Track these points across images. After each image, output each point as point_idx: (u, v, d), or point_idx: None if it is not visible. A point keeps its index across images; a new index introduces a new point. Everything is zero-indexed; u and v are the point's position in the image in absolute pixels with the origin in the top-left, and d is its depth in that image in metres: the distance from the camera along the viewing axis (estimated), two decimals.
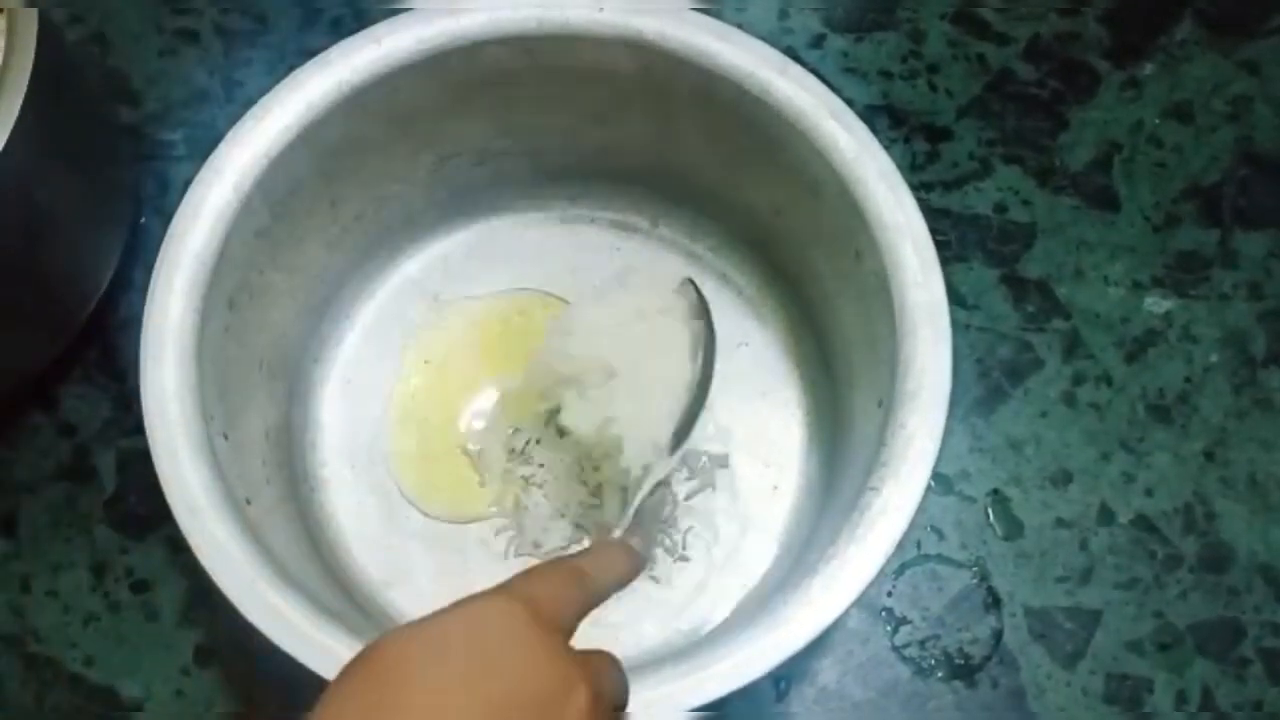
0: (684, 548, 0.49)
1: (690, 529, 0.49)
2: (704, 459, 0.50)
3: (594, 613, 0.47)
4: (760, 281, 0.53)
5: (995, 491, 0.53)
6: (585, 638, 0.47)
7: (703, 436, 0.50)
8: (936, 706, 0.50)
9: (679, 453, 0.47)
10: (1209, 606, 0.52)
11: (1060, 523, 0.53)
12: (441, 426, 0.51)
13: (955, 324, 0.46)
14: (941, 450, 0.39)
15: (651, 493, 0.47)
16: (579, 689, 0.29)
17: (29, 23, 0.44)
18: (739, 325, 0.53)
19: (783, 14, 0.62)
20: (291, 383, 0.50)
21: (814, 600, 0.37)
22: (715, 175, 0.51)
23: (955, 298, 0.56)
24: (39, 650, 0.50)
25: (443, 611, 0.29)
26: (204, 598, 0.50)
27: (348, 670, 0.28)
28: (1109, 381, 0.55)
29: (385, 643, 0.28)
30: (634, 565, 0.37)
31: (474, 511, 0.50)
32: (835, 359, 0.49)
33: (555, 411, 0.48)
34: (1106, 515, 0.53)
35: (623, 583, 0.36)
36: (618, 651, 0.46)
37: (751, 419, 0.51)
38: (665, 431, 0.46)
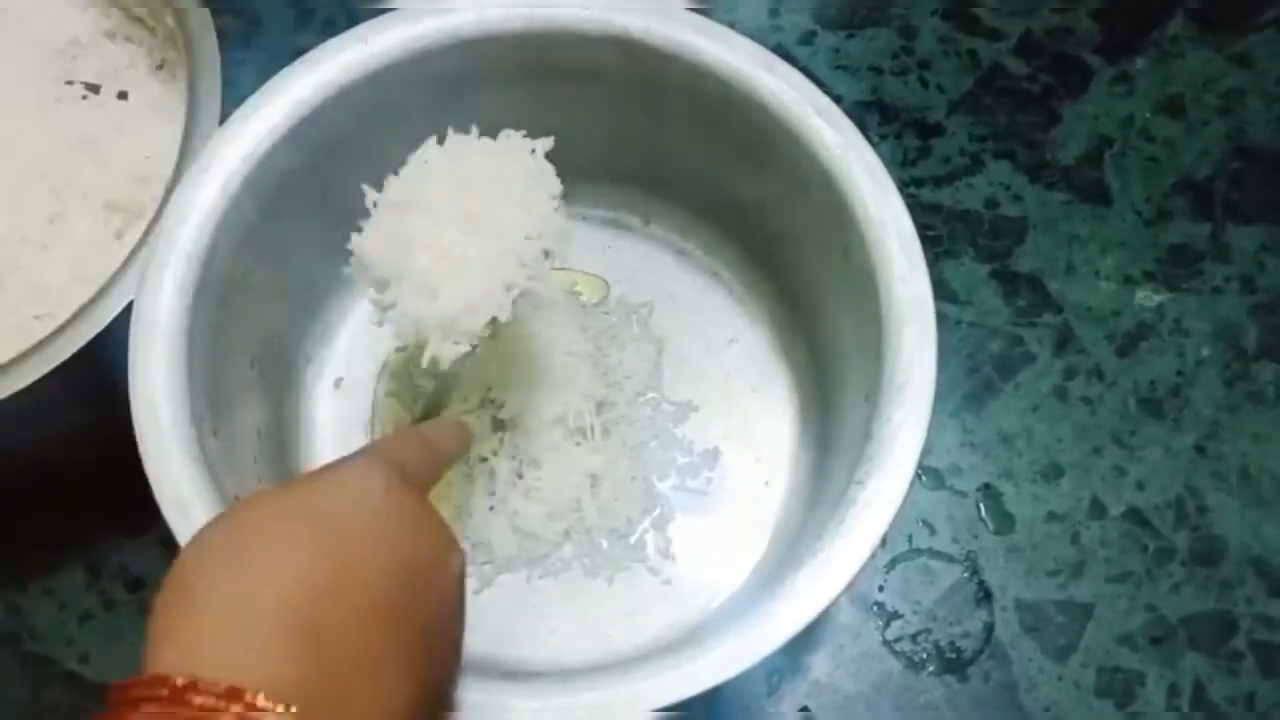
0: (674, 544, 0.49)
1: (682, 525, 0.49)
2: (695, 455, 0.50)
3: (588, 609, 0.48)
4: (750, 279, 0.53)
5: (986, 486, 0.53)
6: (581, 630, 0.48)
7: (694, 431, 0.51)
8: (928, 700, 0.50)
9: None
10: (1201, 600, 0.52)
11: (1052, 517, 0.53)
12: None
13: (947, 319, 0.46)
14: (933, 445, 0.40)
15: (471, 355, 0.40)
16: (454, 552, 0.30)
17: None
18: (729, 322, 0.53)
19: (773, 11, 0.63)
20: (283, 381, 0.50)
21: (800, 594, 0.37)
22: (705, 173, 0.51)
23: (947, 293, 0.56)
24: (35, 648, 0.51)
25: (308, 476, 0.29)
26: None
27: (208, 526, 0.28)
28: (1100, 375, 0.55)
29: (247, 503, 0.28)
30: (465, 437, 0.41)
31: None
32: (824, 355, 0.49)
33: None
34: (1098, 509, 0.53)
35: (460, 452, 0.40)
36: (612, 647, 0.47)
37: (742, 415, 0.51)
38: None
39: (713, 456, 0.50)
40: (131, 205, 0.49)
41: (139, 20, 0.53)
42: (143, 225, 0.47)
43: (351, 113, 0.45)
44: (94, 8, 0.53)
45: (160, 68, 0.52)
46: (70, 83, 0.52)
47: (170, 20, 0.49)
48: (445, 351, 0.38)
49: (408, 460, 0.33)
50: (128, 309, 0.41)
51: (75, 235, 0.48)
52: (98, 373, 0.42)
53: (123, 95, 0.51)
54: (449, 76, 0.46)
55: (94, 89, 0.51)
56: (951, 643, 0.51)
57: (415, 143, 0.49)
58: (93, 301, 0.42)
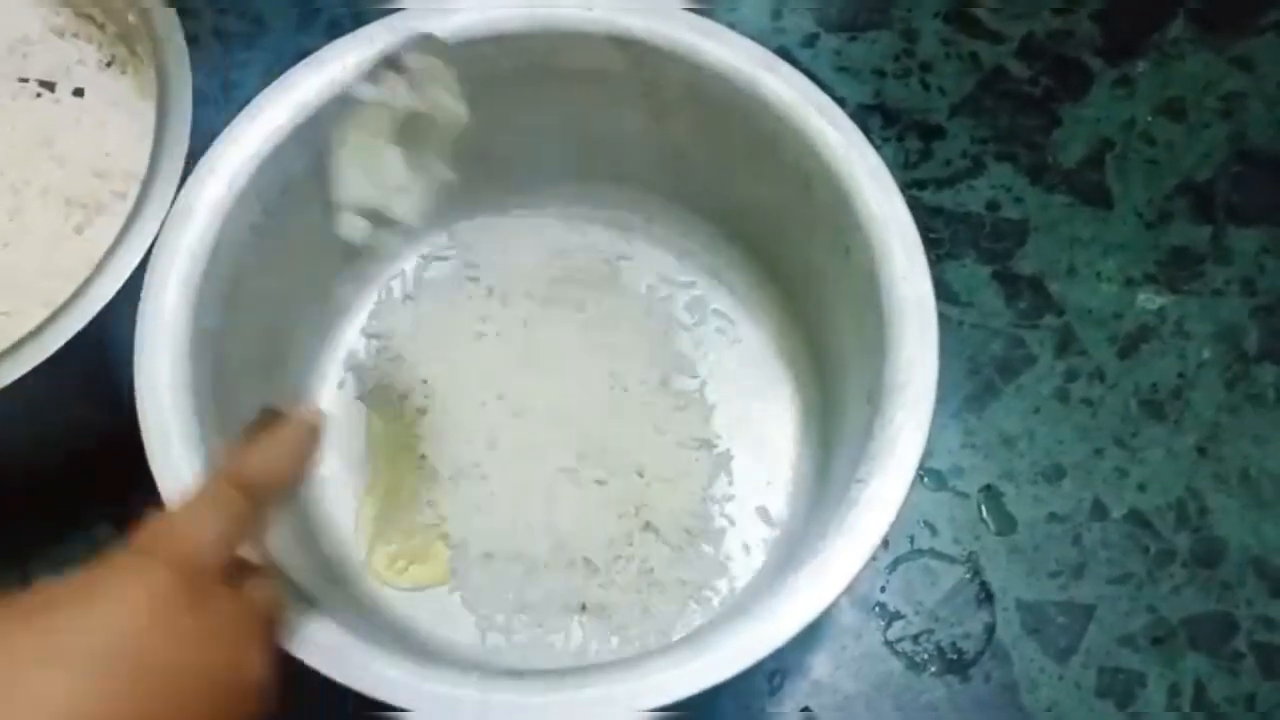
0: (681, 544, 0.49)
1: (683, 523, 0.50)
2: (708, 455, 0.50)
3: (591, 607, 0.48)
4: (753, 279, 0.53)
5: (988, 487, 0.53)
6: (584, 632, 0.48)
7: (707, 432, 0.51)
8: (929, 701, 0.50)
9: None
10: (1202, 601, 0.52)
11: (1053, 518, 0.53)
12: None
13: (948, 321, 0.46)
14: (935, 446, 0.40)
15: None
16: (246, 660, 0.30)
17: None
18: (732, 323, 0.53)
19: (775, 13, 0.63)
20: (286, 380, 0.50)
21: (800, 593, 0.37)
22: (708, 173, 0.51)
23: (948, 294, 0.57)
24: None
25: (64, 593, 0.28)
26: None
27: None
28: (1102, 377, 0.56)
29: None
30: (303, 447, 0.34)
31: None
32: (827, 355, 0.50)
33: None
34: (1099, 510, 0.53)
35: (298, 472, 0.34)
36: (610, 652, 0.47)
37: (745, 415, 0.51)
38: None
39: (726, 456, 0.50)
40: (90, 200, 0.49)
41: (88, 17, 0.53)
42: (105, 220, 0.48)
43: None
44: (43, 5, 0.53)
45: (110, 64, 0.52)
46: (24, 80, 0.52)
47: (132, 18, 0.49)
48: None
49: (195, 542, 0.30)
50: (110, 305, 0.42)
51: (36, 231, 0.49)
52: (90, 368, 0.42)
53: (78, 92, 0.52)
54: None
55: (48, 86, 0.52)
56: (953, 643, 0.51)
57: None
58: (72, 299, 0.42)
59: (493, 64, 0.46)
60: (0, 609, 0.28)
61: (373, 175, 0.40)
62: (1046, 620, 0.51)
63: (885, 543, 0.39)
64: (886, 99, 0.61)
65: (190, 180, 0.43)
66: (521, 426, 0.50)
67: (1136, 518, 0.53)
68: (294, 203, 0.46)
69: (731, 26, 0.45)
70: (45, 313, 0.42)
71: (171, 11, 0.48)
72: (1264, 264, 0.58)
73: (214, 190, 0.42)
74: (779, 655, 0.37)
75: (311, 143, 0.45)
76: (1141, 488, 0.54)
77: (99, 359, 0.43)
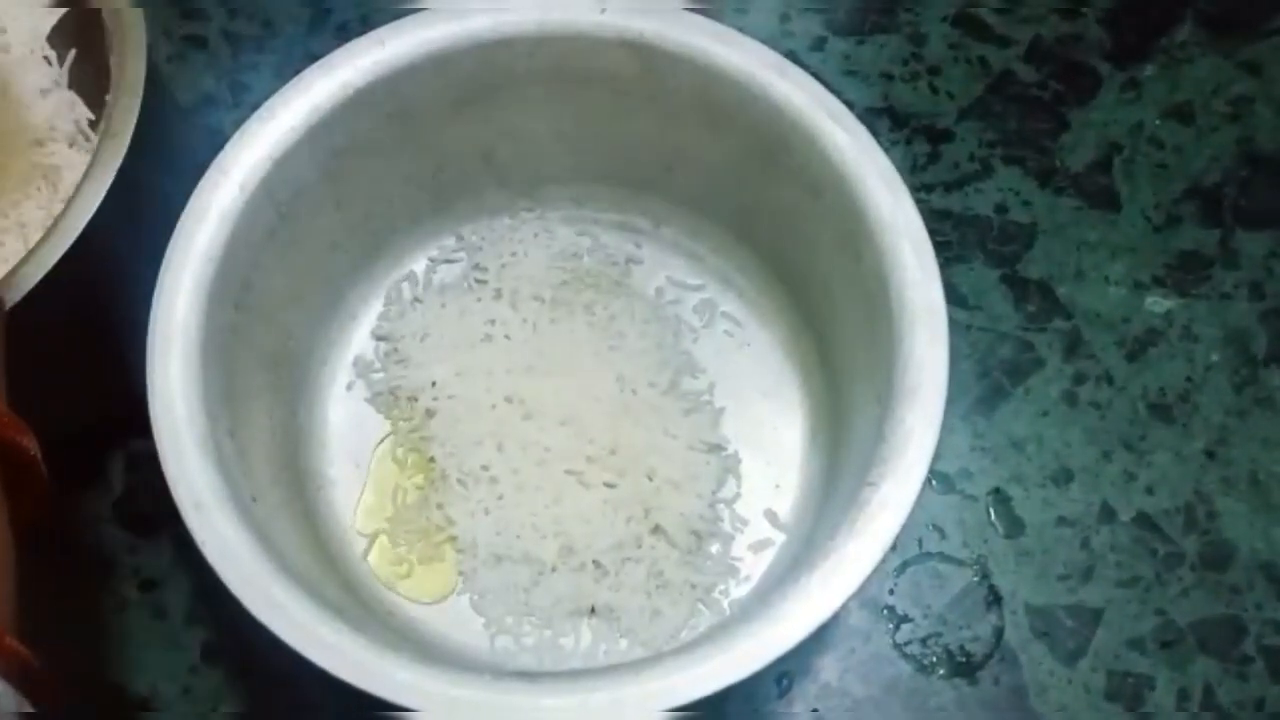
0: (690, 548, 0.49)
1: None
2: (717, 458, 0.50)
3: (600, 610, 0.48)
4: (762, 283, 0.53)
5: (996, 490, 0.53)
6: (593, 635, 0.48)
7: (716, 435, 0.51)
8: (938, 704, 0.50)
9: None
10: (1210, 604, 0.52)
11: (1062, 521, 0.53)
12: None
13: (956, 324, 0.46)
14: (943, 449, 0.40)
15: None
16: None
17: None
18: (741, 327, 0.53)
19: (784, 17, 0.63)
20: (298, 383, 0.50)
21: (812, 595, 0.37)
22: (717, 176, 0.51)
23: (956, 298, 0.57)
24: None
25: None
26: (211, 596, 0.50)
27: None
28: (1110, 381, 0.56)
29: None
30: None
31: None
32: (836, 359, 0.50)
33: None
34: (1108, 514, 0.53)
35: None
36: (619, 655, 0.47)
37: (753, 419, 0.51)
38: None
39: (735, 459, 0.50)
40: None
41: None
42: None
43: (368, 116, 0.45)
44: None
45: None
46: None
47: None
48: None
49: None
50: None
51: None
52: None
53: None
54: (464, 80, 0.46)
55: None
56: (961, 646, 0.51)
57: (428, 145, 0.49)
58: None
59: (503, 67, 0.46)
60: None
61: None
62: (1055, 623, 0.51)
63: (894, 545, 0.39)
64: (894, 102, 0.61)
65: (202, 183, 0.43)
66: (530, 429, 0.50)
67: (1145, 521, 0.53)
68: (305, 206, 0.46)
69: (740, 30, 0.45)
70: None
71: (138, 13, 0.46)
72: (1272, 267, 0.58)
73: (226, 193, 0.42)
74: (788, 657, 0.37)
75: (324, 145, 0.45)
76: (1150, 491, 0.54)
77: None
